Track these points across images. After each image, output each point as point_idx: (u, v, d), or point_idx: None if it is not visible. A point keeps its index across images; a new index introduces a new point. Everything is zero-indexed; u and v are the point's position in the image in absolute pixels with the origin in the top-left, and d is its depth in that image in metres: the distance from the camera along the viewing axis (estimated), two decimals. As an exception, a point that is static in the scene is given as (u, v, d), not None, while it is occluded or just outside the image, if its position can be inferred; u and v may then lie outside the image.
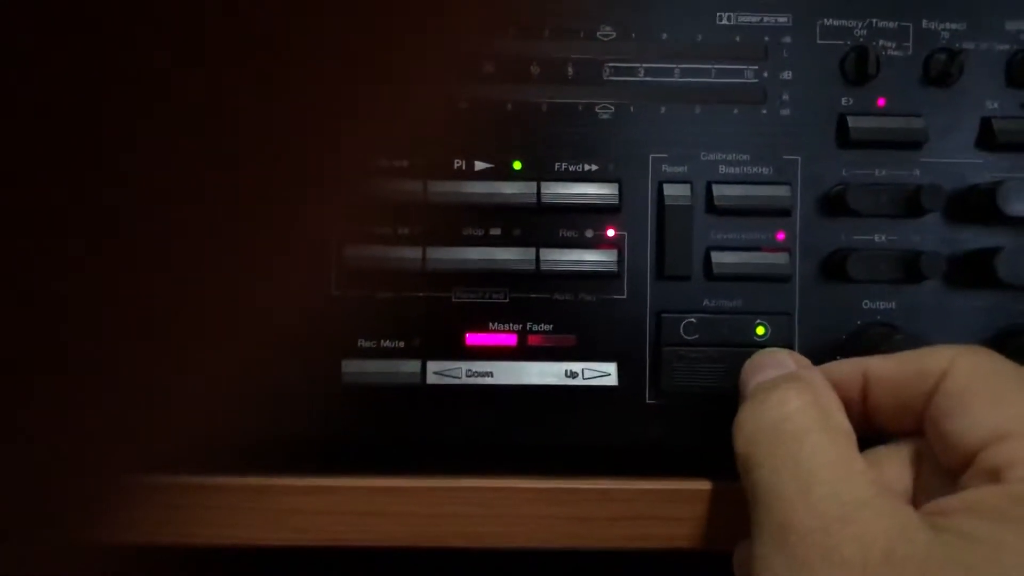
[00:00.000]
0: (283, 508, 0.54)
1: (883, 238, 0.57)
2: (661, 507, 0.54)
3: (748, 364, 0.54)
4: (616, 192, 0.56)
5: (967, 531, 0.43)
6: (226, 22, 0.19)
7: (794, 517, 0.45)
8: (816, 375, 0.52)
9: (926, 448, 0.50)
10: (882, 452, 0.51)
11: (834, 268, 0.57)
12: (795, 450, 0.47)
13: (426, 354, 0.56)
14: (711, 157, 0.57)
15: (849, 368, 0.52)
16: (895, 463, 0.51)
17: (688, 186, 0.56)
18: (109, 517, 0.24)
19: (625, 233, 0.57)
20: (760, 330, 0.56)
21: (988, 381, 0.48)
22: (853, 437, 0.49)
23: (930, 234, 0.57)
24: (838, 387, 0.52)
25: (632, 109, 0.57)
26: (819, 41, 0.57)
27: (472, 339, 0.56)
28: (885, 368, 0.51)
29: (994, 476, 0.45)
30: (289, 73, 0.20)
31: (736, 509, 0.50)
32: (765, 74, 0.57)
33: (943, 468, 0.49)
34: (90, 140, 0.19)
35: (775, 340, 0.56)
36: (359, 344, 0.56)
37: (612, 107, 0.57)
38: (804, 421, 0.48)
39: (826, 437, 0.48)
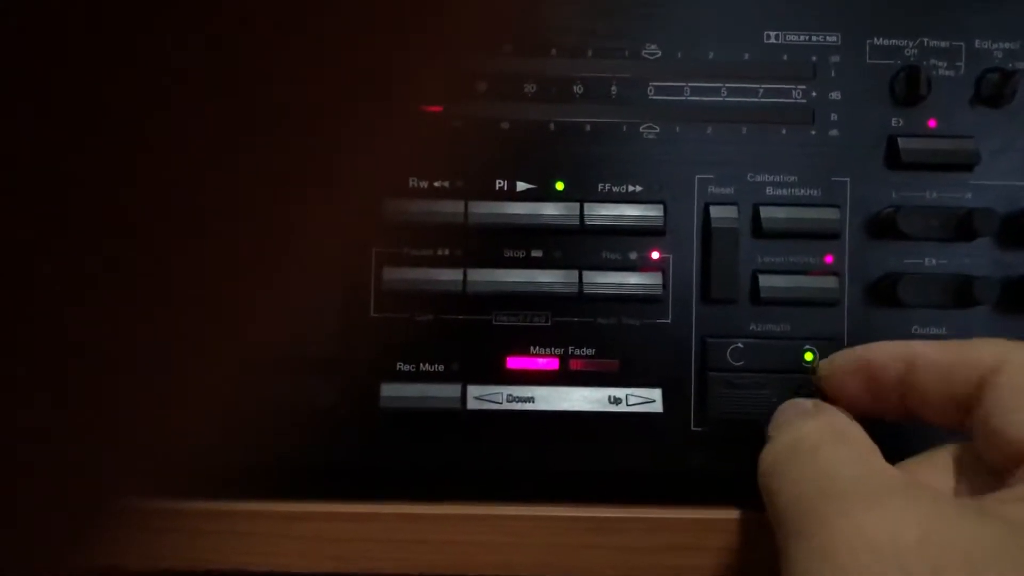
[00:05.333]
0: (320, 535, 0.53)
1: (934, 262, 0.56)
2: (708, 537, 0.53)
3: (772, 418, 0.53)
4: (661, 214, 0.55)
5: (1021, 520, 0.41)
6: (263, 41, 0.18)
7: (816, 512, 0.43)
8: (831, 408, 0.51)
9: (966, 453, 0.49)
10: (916, 460, 0.50)
11: (884, 292, 0.55)
12: (812, 461, 0.47)
13: (466, 378, 0.55)
14: (758, 179, 0.56)
15: (893, 349, 0.51)
16: (931, 469, 0.49)
17: (735, 208, 0.55)
18: (135, 544, 0.24)
19: (670, 256, 0.56)
20: (808, 356, 0.55)
21: None
22: (875, 448, 0.48)
23: (982, 258, 0.56)
24: (879, 367, 0.51)
25: (677, 129, 0.56)
26: (869, 61, 0.56)
27: (513, 363, 0.55)
28: (933, 352, 0.50)
29: None
30: (330, 93, 0.20)
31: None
32: (813, 94, 0.56)
33: (987, 471, 0.47)
34: (112, 153, 0.18)
35: (823, 366, 0.55)
36: (398, 368, 0.55)
37: (657, 127, 0.56)
38: (818, 437, 0.48)
39: (843, 445, 0.47)
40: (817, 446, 0.47)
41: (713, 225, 0.55)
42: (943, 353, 0.50)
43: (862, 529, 0.41)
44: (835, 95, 0.56)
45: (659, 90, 0.56)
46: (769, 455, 0.49)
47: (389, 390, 0.55)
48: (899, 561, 0.40)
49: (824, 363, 0.53)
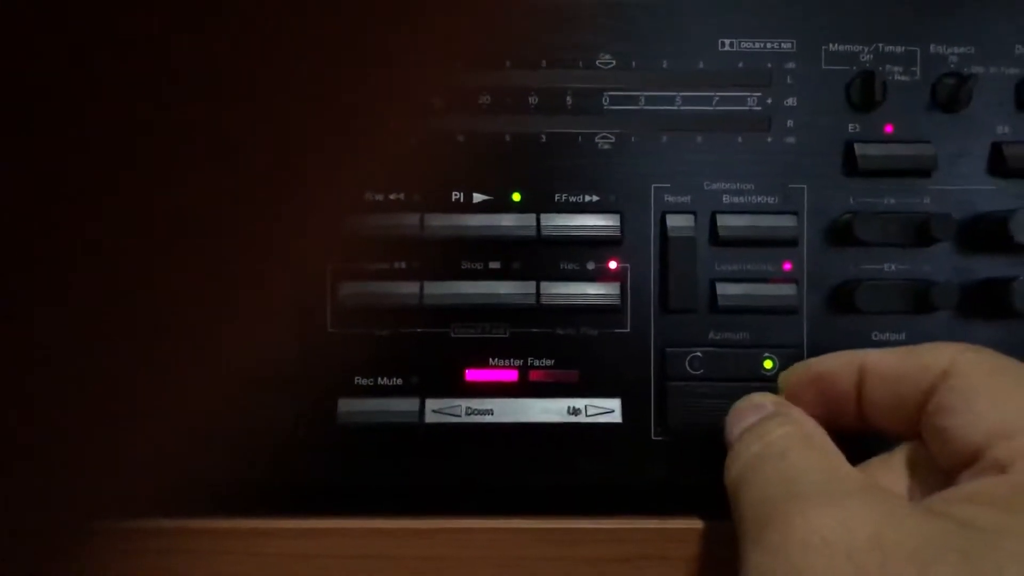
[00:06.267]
0: (279, 552, 0.53)
1: (893, 268, 0.56)
2: (670, 546, 0.53)
3: (729, 415, 0.53)
4: (618, 223, 0.55)
5: (967, 518, 0.41)
6: (225, 53, 0.18)
7: (775, 512, 0.44)
8: (795, 410, 0.51)
9: (920, 454, 0.49)
10: (874, 462, 0.50)
11: (843, 299, 0.55)
12: (779, 464, 0.47)
13: (424, 392, 0.55)
14: (715, 187, 0.56)
15: (845, 359, 0.51)
16: (888, 471, 0.49)
17: (692, 216, 0.55)
18: (100, 564, 0.24)
19: (628, 265, 0.55)
20: (768, 364, 0.55)
21: (993, 378, 0.47)
22: (839, 452, 0.48)
23: (941, 263, 0.56)
24: (833, 378, 0.51)
25: (633, 139, 0.56)
26: (824, 67, 0.56)
27: (472, 375, 0.55)
28: (883, 360, 0.50)
29: (999, 471, 0.44)
30: (285, 107, 0.20)
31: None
32: (769, 101, 0.56)
33: (939, 472, 0.47)
34: (74, 174, 0.18)
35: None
36: (355, 382, 0.55)
37: (612, 137, 0.56)
38: (787, 442, 0.48)
39: (810, 451, 0.47)
40: (786, 451, 0.47)
41: (670, 234, 0.55)
42: (893, 360, 0.50)
43: (816, 526, 0.42)
44: (791, 102, 0.56)
45: (614, 100, 0.56)
46: (737, 462, 0.49)
47: (346, 405, 0.54)
48: (850, 556, 0.40)
49: (780, 378, 0.53)
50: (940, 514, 0.42)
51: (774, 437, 0.48)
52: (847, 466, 0.47)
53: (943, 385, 0.47)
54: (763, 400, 0.52)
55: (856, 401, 0.51)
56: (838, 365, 0.51)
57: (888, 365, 0.50)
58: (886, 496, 0.44)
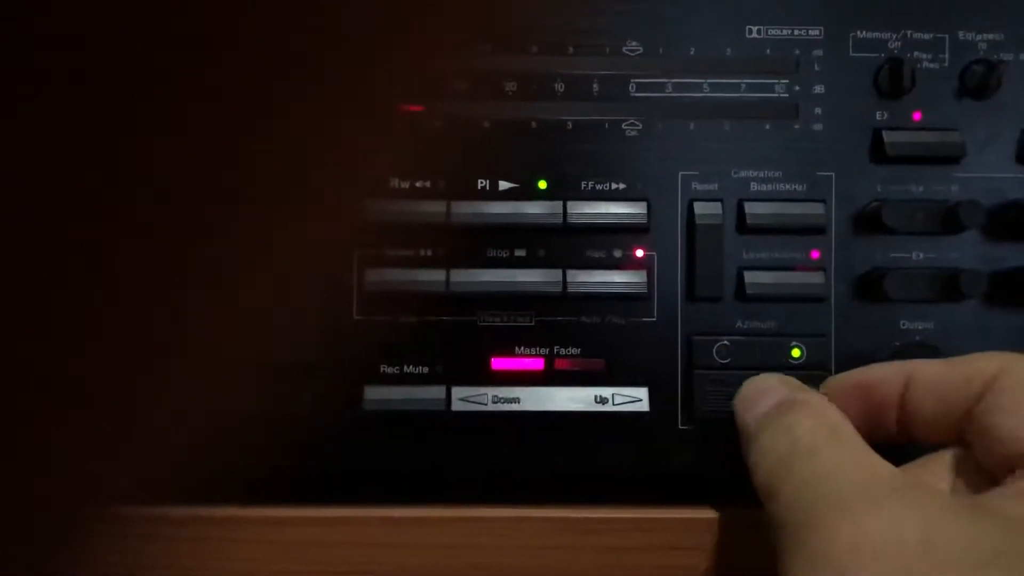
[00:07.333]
0: (302, 540, 0.53)
1: (921, 256, 0.55)
2: (695, 536, 0.53)
3: (738, 400, 0.53)
4: (644, 211, 0.55)
5: (1019, 517, 0.41)
6: (241, 43, 0.18)
7: (815, 517, 0.43)
8: (812, 395, 0.51)
9: (963, 457, 0.48)
10: (914, 464, 0.50)
11: (871, 287, 0.55)
12: (811, 465, 0.46)
13: (450, 380, 0.55)
14: (742, 174, 0.55)
15: (892, 370, 0.51)
16: (929, 472, 0.49)
17: (719, 204, 0.55)
18: (115, 551, 0.23)
19: (654, 253, 0.55)
20: (795, 352, 0.55)
21: None
22: (867, 446, 0.47)
23: (969, 251, 0.56)
24: (878, 388, 0.51)
25: (660, 126, 0.55)
26: (852, 54, 0.55)
27: (498, 364, 0.55)
28: (932, 370, 0.50)
29: None
30: (310, 95, 0.19)
31: (774, 538, 0.49)
32: (797, 88, 0.55)
33: (983, 474, 0.47)
34: (90, 157, 0.18)
35: (811, 362, 0.54)
36: (381, 370, 0.55)
37: (639, 124, 0.55)
38: (814, 439, 0.47)
39: (840, 447, 0.47)
40: (815, 449, 0.46)
41: (697, 222, 0.55)
42: (941, 368, 0.49)
43: (864, 532, 0.41)
44: (819, 89, 0.56)
45: (641, 86, 0.55)
46: (765, 459, 0.48)
47: (373, 393, 0.54)
48: (902, 562, 0.40)
49: (823, 385, 0.53)
50: (990, 512, 0.41)
51: (800, 433, 0.48)
52: (880, 461, 0.46)
53: (994, 387, 0.47)
54: (773, 383, 0.52)
55: (898, 410, 0.50)
56: (884, 374, 0.51)
57: (936, 373, 0.49)
58: (928, 493, 0.44)
